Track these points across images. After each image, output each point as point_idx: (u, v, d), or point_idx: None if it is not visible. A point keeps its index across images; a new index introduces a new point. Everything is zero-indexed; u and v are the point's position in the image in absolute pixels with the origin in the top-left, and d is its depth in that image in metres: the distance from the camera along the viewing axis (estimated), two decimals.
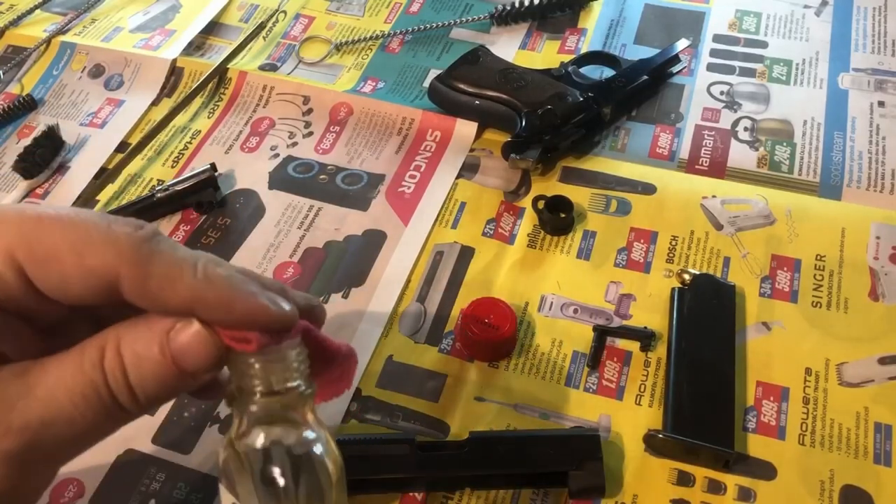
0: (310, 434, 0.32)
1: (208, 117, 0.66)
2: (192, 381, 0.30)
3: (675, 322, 0.49)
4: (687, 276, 0.51)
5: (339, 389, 0.37)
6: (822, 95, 0.63)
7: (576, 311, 0.51)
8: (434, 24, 0.71)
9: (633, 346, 0.49)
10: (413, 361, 0.50)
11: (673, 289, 0.51)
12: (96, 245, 0.28)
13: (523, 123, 0.58)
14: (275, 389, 0.30)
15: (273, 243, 0.57)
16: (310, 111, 0.65)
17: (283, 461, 0.31)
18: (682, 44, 0.65)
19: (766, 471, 0.44)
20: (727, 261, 0.53)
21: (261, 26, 0.72)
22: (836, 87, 0.64)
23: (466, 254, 0.55)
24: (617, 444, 0.45)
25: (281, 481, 0.31)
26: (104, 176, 0.62)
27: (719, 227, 0.55)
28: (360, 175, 0.61)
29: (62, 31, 0.74)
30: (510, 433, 0.46)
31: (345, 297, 0.53)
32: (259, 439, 0.31)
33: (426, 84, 0.66)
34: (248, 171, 0.61)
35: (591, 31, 0.70)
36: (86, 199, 0.60)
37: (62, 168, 0.63)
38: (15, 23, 0.75)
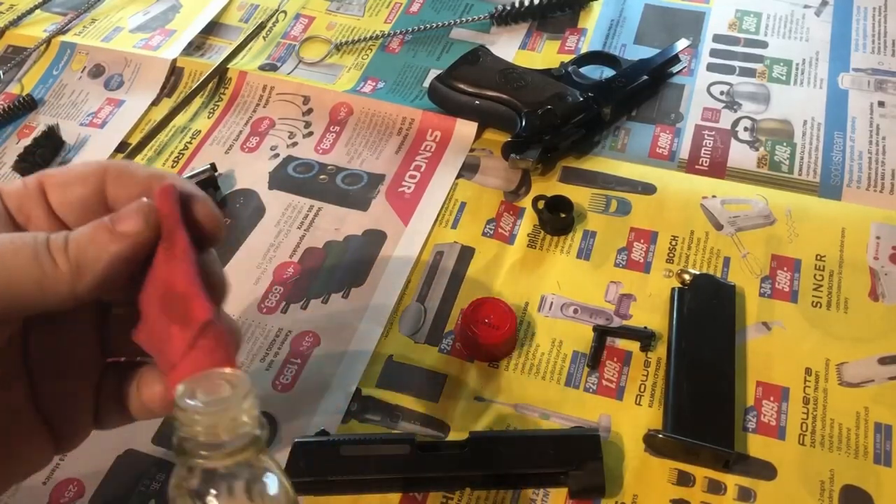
0: (263, 473, 0.30)
1: (208, 117, 0.66)
2: (123, 245, 0.31)
3: (675, 322, 0.49)
4: (687, 276, 0.51)
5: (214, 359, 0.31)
6: (822, 95, 0.63)
7: (576, 311, 0.51)
8: (434, 24, 0.71)
9: (633, 346, 0.49)
10: (413, 361, 0.50)
11: (673, 289, 0.51)
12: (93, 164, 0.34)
13: (523, 123, 0.58)
14: (223, 440, 0.28)
15: (273, 243, 0.57)
16: (310, 111, 0.65)
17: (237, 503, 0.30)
18: (682, 44, 0.65)
19: (766, 471, 0.44)
20: (727, 261, 0.53)
21: (261, 26, 0.73)
22: (836, 87, 0.64)
23: (466, 254, 0.55)
24: (617, 444, 0.45)
25: None
26: None
27: (719, 227, 0.55)
28: (360, 175, 0.61)
29: (62, 31, 0.74)
30: (510, 433, 0.46)
31: (345, 296, 0.53)
32: (211, 484, 0.29)
33: (426, 84, 0.66)
34: (248, 171, 0.61)
35: (591, 31, 0.70)
36: None
37: None
38: (15, 23, 0.75)
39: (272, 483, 0.30)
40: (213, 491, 0.29)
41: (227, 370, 0.29)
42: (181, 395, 0.28)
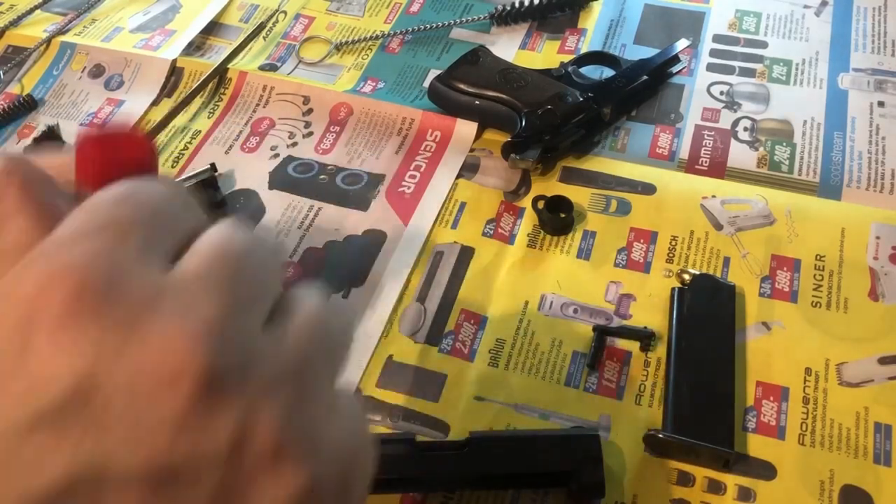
0: None
1: (208, 117, 0.66)
2: None
3: (674, 322, 0.49)
4: (687, 276, 0.51)
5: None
6: (822, 95, 0.63)
7: (576, 310, 0.51)
8: (434, 24, 0.71)
9: (633, 346, 0.49)
10: (413, 361, 0.50)
11: (673, 289, 0.51)
12: None
13: (523, 123, 0.58)
14: None
15: None
16: (310, 111, 0.65)
17: None
18: (681, 44, 0.65)
19: (766, 471, 0.44)
20: (727, 261, 0.53)
21: (261, 26, 0.73)
22: (835, 87, 0.64)
23: (466, 254, 0.55)
24: (617, 444, 0.45)
25: None
26: None
27: (719, 227, 0.55)
28: (360, 175, 0.61)
29: (62, 31, 0.74)
30: (510, 433, 0.46)
31: (345, 296, 0.53)
32: None
33: (426, 84, 0.66)
34: (249, 172, 0.62)
35: (591, 31, 0.70)
36: None
37: None
38: (15, 23, 0.75)
39: None
40: None
41: None
42: None
